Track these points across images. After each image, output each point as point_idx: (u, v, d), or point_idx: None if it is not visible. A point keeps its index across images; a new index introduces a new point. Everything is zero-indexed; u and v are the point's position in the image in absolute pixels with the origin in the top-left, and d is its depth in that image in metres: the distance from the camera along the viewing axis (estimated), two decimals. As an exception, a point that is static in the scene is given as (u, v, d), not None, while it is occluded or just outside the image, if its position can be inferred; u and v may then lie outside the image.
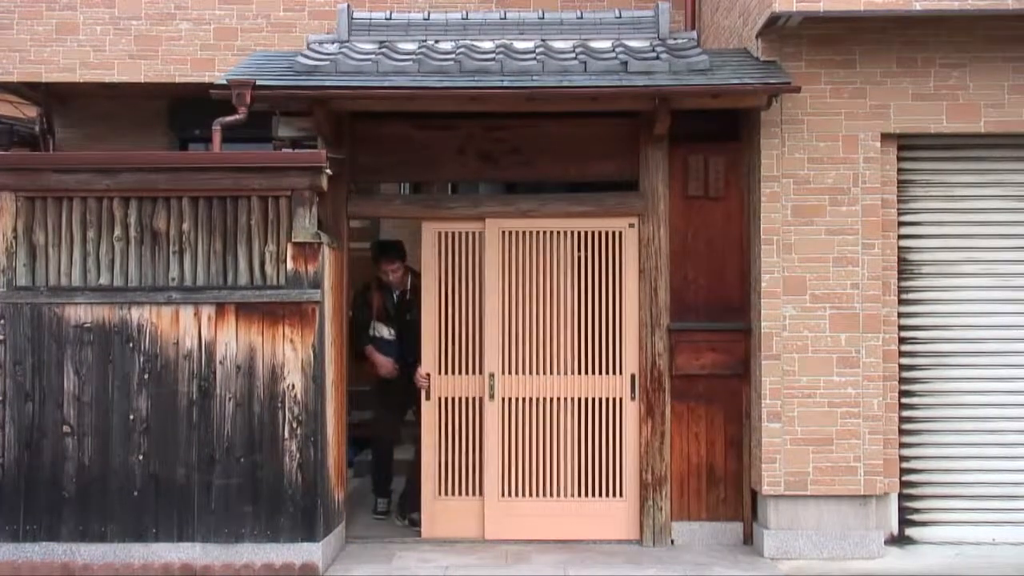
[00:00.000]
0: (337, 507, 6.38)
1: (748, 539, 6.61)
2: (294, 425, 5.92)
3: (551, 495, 6.71)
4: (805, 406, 6.35)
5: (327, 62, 6.53)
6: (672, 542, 6.60)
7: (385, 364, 7.19)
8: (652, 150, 6.65)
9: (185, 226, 5.99)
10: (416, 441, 7.05)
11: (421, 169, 6.97)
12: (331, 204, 6.55)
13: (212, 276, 6.00)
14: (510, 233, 6.78)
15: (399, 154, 6.80)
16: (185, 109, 9.47)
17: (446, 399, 6.78)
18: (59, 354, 5.95)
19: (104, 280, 6.00)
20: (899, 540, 6.55)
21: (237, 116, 6.13)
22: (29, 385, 5.95)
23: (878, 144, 6.43)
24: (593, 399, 6.73)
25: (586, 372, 6.74)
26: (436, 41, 7.21)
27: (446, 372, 6.78)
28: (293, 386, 5.92)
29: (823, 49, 6.42)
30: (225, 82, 6.22)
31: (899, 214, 6.57)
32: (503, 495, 6.71)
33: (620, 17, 7.48)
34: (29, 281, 6.00)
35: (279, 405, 5.93)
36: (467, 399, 6.77)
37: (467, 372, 6.77)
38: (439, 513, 6.73)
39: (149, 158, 6.43)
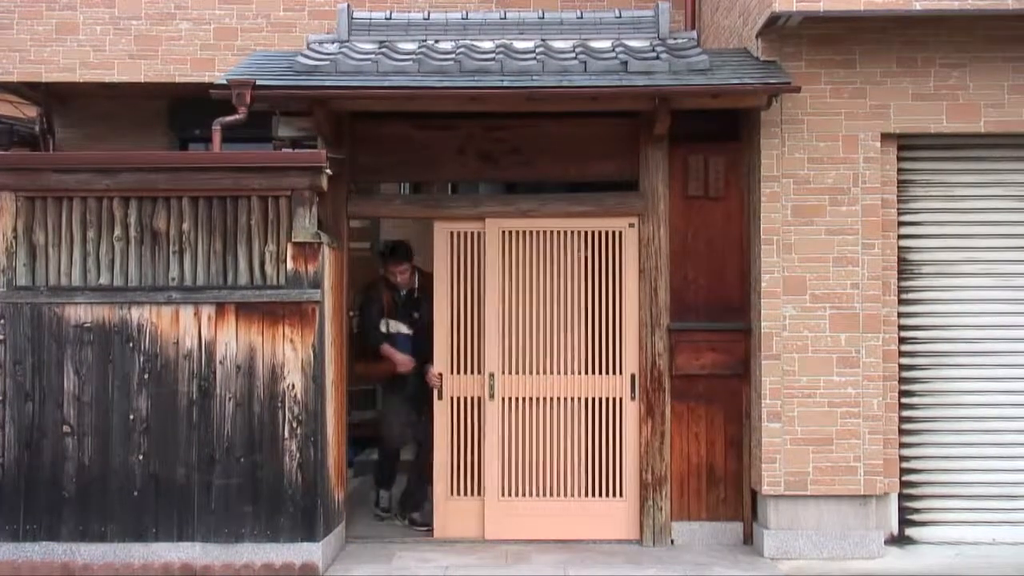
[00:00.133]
0: (337, 507, 6.38)
1: (748, 539, 6.61)
2: (294, 425, 5.92)
3: (551, 495, 6.71)
4: (805, 406, 6.35)
5: (327, 62, 6.53)
6: (672, 542, 6.60)
7: (404, 360, 7.04)
8: (652, 150, 6.65)
9: (185, 226, 5.99)
10: (418, 442, 7.04)
11: (421, 169, 6.97)
12: (331, 204, 6.55)
13: (212, 276, 6.00)
14: (510, 233, 6.78)
15: (399, 154, 6.80)
16: (185, 109, 9.46)
17: (455, 399, 6.78)
18: (59, 354, 5.95)
19: (104, 280, 6.00)
20: (899, 540, 6.55)
21: (237, 116, 6.13)
22: (29, 385, 5.95)
23: (878, 144, 6.43)
24: (593, 399, 6.73)
25: (586, 372, 6.74)
26: (436, 41, 7.21)
27: (456, 372, 6.78)
28: (293, 386, 5.93)
29: (823, 49, 6.42)
30: (225, 82, 6.22)
31: (899, 214, 6.57)
32: (503, 495, 6.71)
33: (620, 17, 7.48)
34: (29, 281, 6.00)
35: (279, 405, 5.92)
36: (471, 399, 6.77)
37: (472, 372, 6.77)
38: (451, 513, 6.73)
39: (149, 158, 6.43)
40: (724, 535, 6.63)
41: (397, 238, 7.86)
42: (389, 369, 7.09)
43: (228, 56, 8.84)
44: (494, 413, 6.72)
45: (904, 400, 6.56)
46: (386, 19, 7.48)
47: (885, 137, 6.45)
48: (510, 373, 6.74)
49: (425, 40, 7.22)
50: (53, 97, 9.59)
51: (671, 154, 6.67)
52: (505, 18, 7.56)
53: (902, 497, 6.57)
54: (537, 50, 6.85)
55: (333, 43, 7.18)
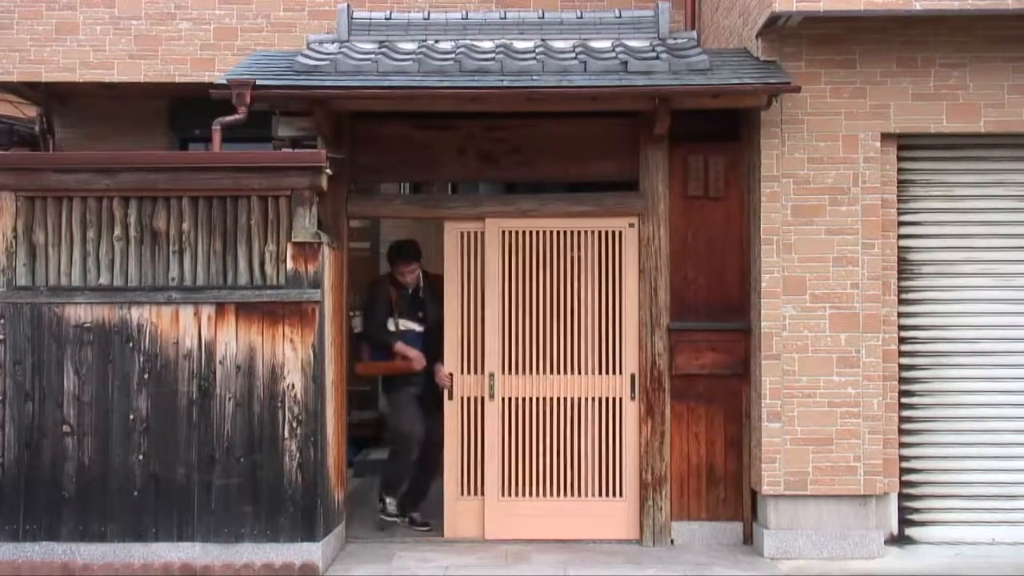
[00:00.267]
0: (337, 507, 6.38)
1: (748, 539, 6.61)
2: (294, 425, 5.92)
3: (551, 495, 6.71)
4: (805, 406, 6.35)
5: (327, 62, 6.53)
6: (672, 542, 6.60)
7: (419, 356, 6.87)
8: (652, 150, 6.66)
9: (185, 226, 5.99)
10: (426, 441, 6.97)
11: (421, 169, 6.97)
12: (331, 204, 6.55)
13: (212, 276, 6.00)
14: (510, 233, 6.78)
15: (399, 154, 6.80)
16: (185, 109, 9.47)
17: (463, 398, 6.79)
18: (59, 354, 5.95)
19: (104, 280, 6.00)
20: (899, 540, 6.55)
21: (237, 116, 6.13)
22: (29, 385, 5.94)
23: (878, 144, 6.43)
24: (593, 399, 6.73)
25: (586, 372, 6.74)
26: (436, 41, 7.21)
27: (463, 372, 6.78)
28: (293, 386, 5.92)
29: (823, 49, 6.42)
30: (225, 82, 6.22)
31: (899, 214, 6.57)
32: (503, 495, 6.71)
33: (620, 17, 7.48)
34: (29, 281, 6.00)
35: (279, 405, 5.92)
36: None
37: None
38: (461, 513, 6.74)
39: (149, 158, 6.43)
40: (724, 535, 6.63)
41: (404, 238, 7.65)
42: (403, 367, 6.90)
43: (228, 56, 8.84)
44: (494, 413, 6.72)
45: (904, 400, 6.56)
46: (386, 19, 7.48)
47: (885, 137, 6.45)
48: (510, 373, 6.74)
49: (425, 40, 7.22)
50: (53, 97, 9.60)
51: (671, 154, 6.67)
52: (505, 18, 7.56)
53: (902, 497, 6.57)
54: (537, 50, 6.85)
55: (333, 43, 7.18)
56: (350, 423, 6.99)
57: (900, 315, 6.54)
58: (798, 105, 6.39)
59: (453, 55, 6.70)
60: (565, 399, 6.74)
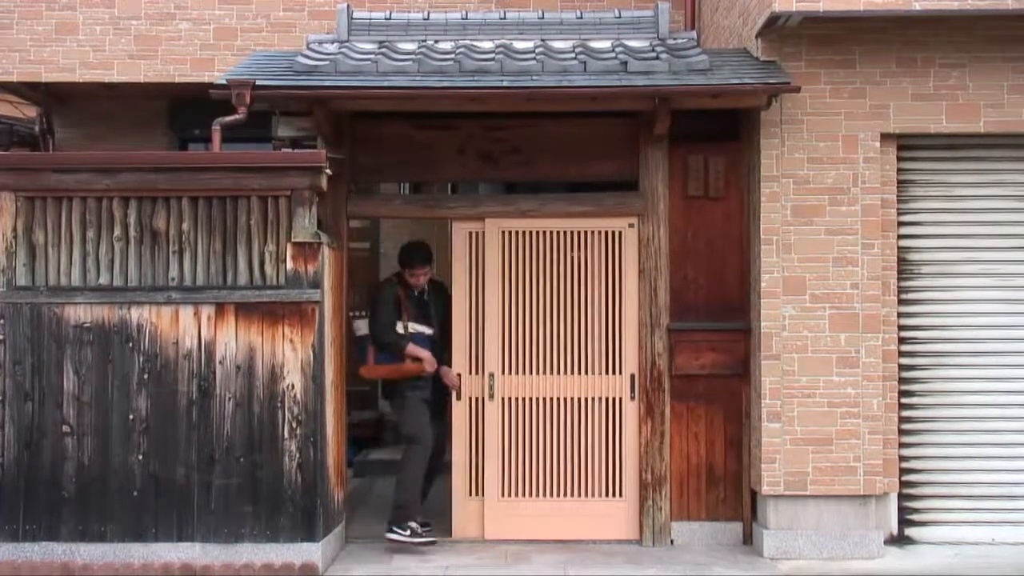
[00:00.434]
0: (337, 507, 6.38)
1: (748, 539, 6.61)
2: (294, 425, 5.91)
3: (551, 495, 6.71)
4: (805, 406, 6.35)
5: (327, 62, 6.53)
6: (672, 542, 6.60)
7: (431, 359, 6.67)
8: (652, 150, 6.66)
9: (185, 226, 5.99)
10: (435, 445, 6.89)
11: (421, 169, 6.97)
12: (331, 204, 6.55)
13: (212, 276, 6.00)
14: (510, 233, 6.78)
15: (399, 154, 6.80)
16: (185, 109, 9.47)
17: (469, 399, 6.79)
18: (59, 354, 5.95)
19: (104, 280, 6.00)
20: (899, 540, 6.55)
21: (237, 116, 6.13)
22: (29, 385, 5.94)
23: (878, 144, 6.43)
24: (593, 399, 6.73)
25: (586, 372, 6.74)
26: (436, 41, 7.21)
27: (469, 372, 6.78)
28: (293, 386, 5.92)
29: (823, 49, 6.42)
30: (225, 82, 6.22)
31: (899, 214, 6.57)
32: (503, 495, 6.71)
33: (620, 17, 7.48)
34: (29, 281, 6.00)
35: (279, 405, 5.92)
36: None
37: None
38: (468, 514, 6.73)
39: (149, 158, 6.43)
40: (724, 535, 6.63)
41: (415, 239, 7.37)
42: (413, 369, 6.64)
43: (228, 56, 8.85)
44: (494, 413, 6.72)
45: (904, 400, 6.56)
46: (386, 19, 7.48)
47: (885, 137, 6.45)
48: (510, 373, 6.74)
49: (425, 40, 7.22)
50: (53, 97, 9.60)
51: (671, 154, 6.67)
52: (505, 18, 7.56)
53: (902, 497, 6.57)
54: (537, 50, 6.85)
55: (333, 43, 7.18)
56: (350, 423, 6.99)
57: (900, 315, 6.54)
58: (798, 105, 6.39)
59: (453, 55, 6.70)
60: (565, 399, 6.73)
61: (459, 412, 6.77)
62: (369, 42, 7.20)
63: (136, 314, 5.96)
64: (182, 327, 5.96)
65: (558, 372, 6.74)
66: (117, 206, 6.01)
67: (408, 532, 6.40)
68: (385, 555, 6.36)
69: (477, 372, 6.76)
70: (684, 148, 6.66)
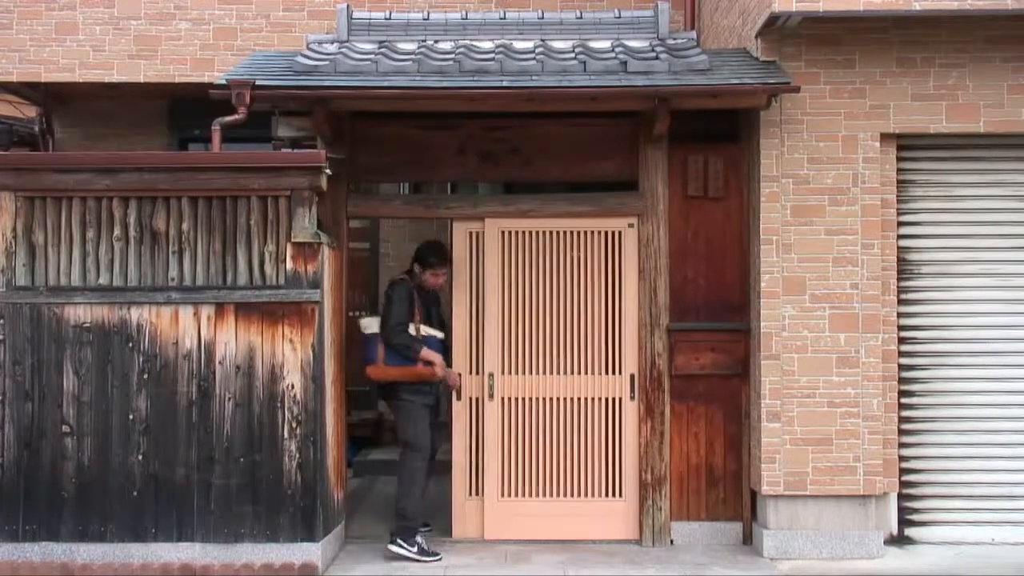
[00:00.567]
0: (337, 507, 6.38)
1: (748, 539, 6.61)
2: (293, 425, 5.91)
3: (551, 495, 6.71)
4: (805, 406, 6.35)
5: (326, 62, 6.53)
6: (672, 542, 6.60)
7: (443, 365, 6.53)
8: (652, 150, 6.66)
9: (185, 226, 5.99)
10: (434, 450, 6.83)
11: (421, 169, 6.97)
12: (331, 204, 6.55)
13: (211, 276, 6.00)
14: (510, 233, 6.78)
15: (399, 154, 6.80)
16: (185, 109, 9.48)
17: (469, 399, 6.78)
18: (58, 354, 5.95)
19: (103, 280, 6.00)
20: (898, 540, 6.55)
21: (236, 116, 6.13)
22: (28, 385, 5.94)
23: (877, 144, 6.43)
24: (592, 399, 6.73)
25: (585, 372, 6.73)
26: (436, 41, 7.21)
27: (468, 372, 6.78)
28: (292, 386, 5.92)
29: (822, 49, 6.42)
30: (225, 82, 6.22)
31: (898, 214, 6.57)
32: (503, 495, 6.71)
33: (619, 17, 7.48)
34: (29, 281, 6.00)
35: (278, 405, 5.92)
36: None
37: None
38: (468, 514, 6.73)
39: (149, 158, 6.43)
40: (724, 535, 6.63)
41: (433, 239, 7.11)
42: (425, 373, 6.46)
43: (227, 56, 8.86)
44: (493, 413, 6.72)
45: (903, 400, 6.56)
46: (385, 19, 7.48)
47: (884, 137, 6.45)
48: (509, 373, 6.74)
49: (425, 40, 7.23)
50: (53, 97, 9.61)
51: (671, 154, 6.67)
52: (505, 18, 7.56)
53: (901, 497, 6.57)
54: (537, 50, 6.85)
55: (332, 43, 7.18)
56: (350, 423, 6.99)
57: (900, 315, 6.54)
58: (797, 105, 6.39)
59: (453, 55, 6.70)
60: (565, 399, 6.73)
61: (459, 412, 6.76)
62: (369, 42, 7.20)
63: (136, 314, 5.96)
64: (182, 327, 5.96)
65: (558, 372, 6.74)
66: (117, 206, 6.01)
67: (416, 549, 6.26)
68: (384, 555, 6.35)
69: (477, 372, 6.76)
70: (684, 148, 6.66)
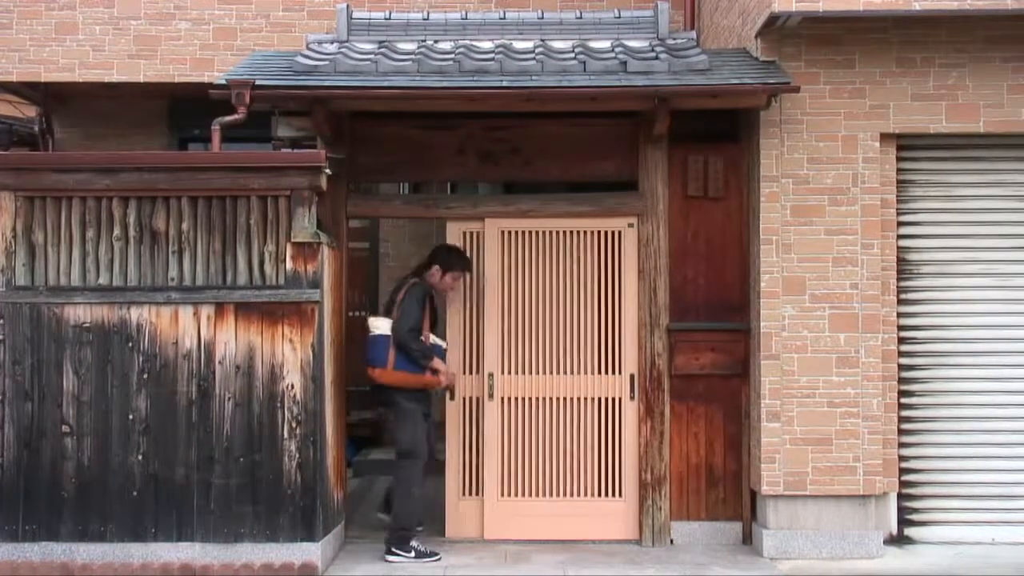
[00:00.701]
0: (336, 507, 6.38)
1: (747, 539, 6.61)
2: (293, 425, 5.91)
3: (550, 495, 6.71)
4: (804, 406, 6.35)
5: (326, 62, 6.53)
6: (671, 542, 6.60)
7: (447, 375, 6.45)
8: (652, 150, 6.66)
9: (184, 226, 5.99)
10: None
11: (421, 169, 6.97)
12: (330, 204, 6.55)
13: (211, 276, 6.00)
14: (510, 233, 6.78)
15: (399, 154, 6.80)
16: (184, 109, 9.48)
17: (465, 398, 6.78)
18: (58, 354, 5.94)
19: (103, 280, 6.00)
20: (898, 540, 6.56)
21: (236, 116, 6.13)
22: (28, 385, 5.94)
23: (877, 144, 6.43)
24: (592, 399, 6.73)
25: (585, 372, 6.74)
26: (435, 41, 7.21)
27: (465, 372, 6.78)
28: (292, 386, 5.92)
29: (822, 49, 6.42)
30: (224, 82, 6.22)
31: (898, 214, 6.57)
32: (502, 495, 6.71)
33: (619, 17, 7.48)
34: (28, 281, 6.00)
35: (278, 405, 5.92)
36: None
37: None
38: (464, 514, 6.73)
39: (148, 158, 6.43)
40: (723, 535, 6.63)
41: (451, 243, 6.82)
42: (431, 382, 6.38)
43: (227, 56, 8.86)
44: (493, 413, 6.72)
45: (903, 400, 6.56)
46: (385, 19, 7.48)
47: (884, 137, 6.45)
48: (509, 373, 6.74)
49: (424, 40, 7.23)
50: (52, 97, 9.61)
51: (671, 154, 6.67)
52: (504, 18, 7.56)
53: (901, 497, 6.57)
54: (536, 50, 6.85)
55: (332, 43, 7.18)
56: (350, 423, 6.98)
57: (899, 315, 6.54)
58: (797, 105, 6.39)
59: (453, 55, 6.70)
60: (564, 399, 6.74)
61: (452, 412, 6.76)
62: (369, 42, 7.20)
63: (136, 314, 5.96)
64: (182, 327, 5.96)
65: (557, 372, 6.74)
66: (117, 206, 6.01)
67: (413, 554, 6.22)
68: (384, 555, 6.35)
69: (476, 372, 6.76)
70: (684, 148, 6.66)
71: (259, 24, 9.02)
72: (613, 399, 6.73)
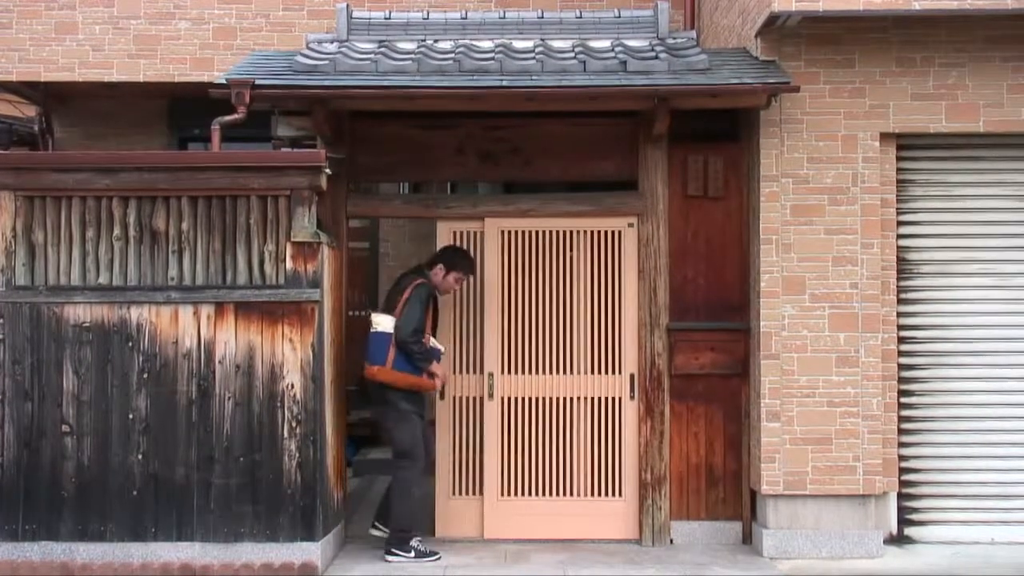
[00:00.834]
0: (336, 507, 6.38)
1: (747, 538, 6.61)
2: (293, 424, 5.91)
3: (550, 495, 6.71)
4: (804, 406, 6.35)
5: (326, 61, 6.53)
6: (671, 542, 6.60)
7: (445, 380, 6.49)
8: (651, 150, 6.66)
9: (184, 225, 5.99)
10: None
11: (421, 169, 6.97)
12: (330, 203, 6.55)
13: (211, 275, 6.00)
14: (509, 233, 6.78)
15: (398, 154, 6.80)
16: (184, 108, 9.48)
17: (457, 398, 6.78)
18: (58, 353, 5.94)
19: (103, 279, 6.00)
20: (898, 539, 6.56)
21: (236, 115, 6.13)
22: (28, 384, 5.94)
23: (877, 144, 6.43)
24: (592, 399, 6.73)
25: (585, 372, 6.74)
26: (435, 40, 7.21)
27: (458, 371, 6.78)
28: (292, 385, 5.92)
29: (822, 48, 6.42)
30: (224, 81, 6.22)
31: (898, 214, 6.57)
32: (502, 495, 6.71)
33: (619, 17, 7.48)
34: (28, 280, 6.00)
35: (278, 404, 5.92)
36: (471, 398, 6.78)
37: (472, 371, 6.78)
38: (452, 513, 6.73)
39: (148, 157, 6.43)
40: (723, 535, 6.63)
41: (454, 245, 6.77)
42: (427, 385, 6.36)
43: (227, 55, 8.85)
44: (493, 413, 6.72)
45: (903, 400, 6.56)
46: (385, 19, 7.48)
47: (884, 137, 6.45)
48: (509, 373, 6.74)
49: (424, 40, 7.22)
50: (52, 96, 9.61)
51: (670, 154, 6.67)
52: (504, 18, 7.56)
53: (901, 497, 6.57)
54: (536, 50, 6.85)
55: (332, 43, 7.18)
56: (350, 423, 6.98)
57: (899, 315, 6.54)
58: (797, 105, 6.39)
59: (452, 55, 6.70)
60: (564, 399, 6.74)
61: (442, 411, 6.75)
62: (369, 41, 7.20)
63: (136, 314, 5.96)
64: (181, 327, 5.96)
65: (557, 372, 6.74)
66: (116, 206, 6.01)
67: (413, 554, 6.20)
68: (384, 555, 6.35)
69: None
70: (684, 148, 6.66)
71: (259, 24, 9.02)
72: (613, 399, 6.73)
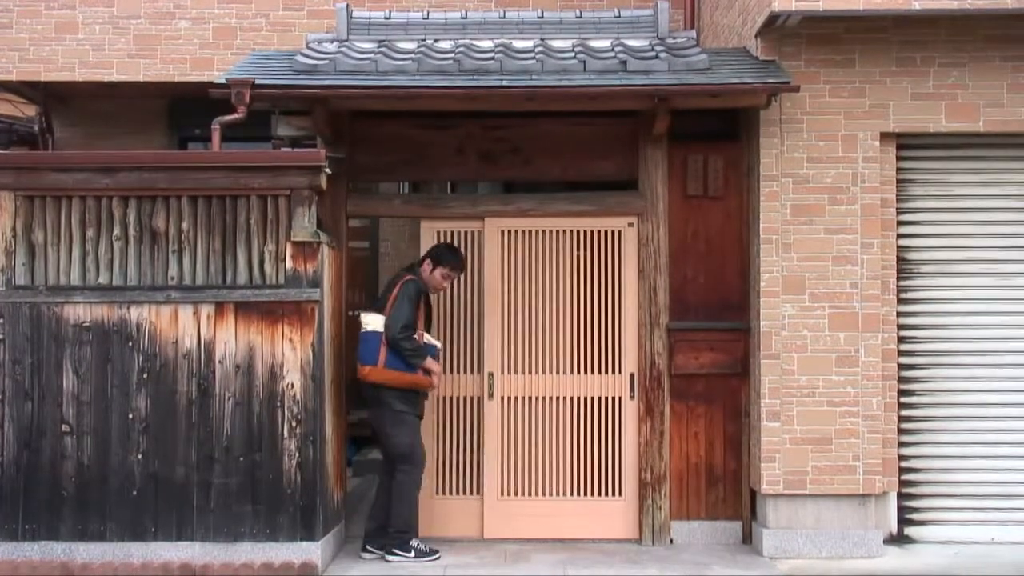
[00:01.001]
0: (336, 506, 6.38)
1: (747, 538, 6.61)
2: (293, 424, 5.91)
3: (550, 494, 6.72)
4: (804, 405, 6.35)
5: (326, 61, 6.53)
6: (671, 541, 6.60)
7: (440, 376, 6.41)
8: (651, 149, 6.66)
9: (184, 225, 5.99)
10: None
11: (421, 168, 6.97)
12: (330, 203, 6.55)
13: (211, 275, 6.00)
14: (509, 232, 6.78)
15: (398, 153, 6.80)
16: (184, 108, 9.48)
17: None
18: (58, 353, 5.94)
19: (103, 279, 6.00)
20: (898, 539, 6.55)
21: (236, 115, 6.13)
22: (28, 384, 5.94)
23: (877, 143, 6.43)
24: (592, 398, 6.73)
25: (585, 371, 6.74)
26: (435, 40, 7.21)
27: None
28: (292, 385, 5.92)
29: (822, 48, 6.42)
30: (224, 81, 6.22)
31: (898, 213, 6.57)
32: (502, 494, 6.71)
33: (619, 16, 7.49)
34: (28, 280, 6.00)
35: (278, 404, 5.92)
36: (470, 398, 6.77)
37: (471, 371, 6.78)
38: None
39: (148, 157, 6.43)
40: (723, 534, 6.63)
41: (448, 243, 6.74)
42: (423, 382, 6.27)
43: (227, 55, 8.86)
44: (493, 413, 6.72)
45: (903, 399, 6.56)
46: (385, 18, 7.49)
47: (884, 136, 6.45)
48: (509, 372, 6.74)
49: (424, 39, 7.23)
50: (52, 96, 9.61)
51: (670, 153, 6.67)
52: (504, 17, 7.57)
53: (901, 496, 6.57)
54: (536, 49, 6.85)
55: (332, 42, 7.19)
56: (349, 423, 6.98)
57: (899, 315, 6.54)
58: (797, 104, 6.39)
59: (452, 54, 6.70)
60: (564, 399, 6.74)
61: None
62: (369, 41, 7.20)
63: (135, 313, 5.96)
64: (181, 326, 5.96)
65: (557, 371, 6.74)
66: (116, 205, 6.01)
67: (413, 553, 6.17)
68: (384, 554, 6.34)
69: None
70: (683, 147, 6.66)
71: (259, 23, 9.02)
72: (613, 398, 6.73)
